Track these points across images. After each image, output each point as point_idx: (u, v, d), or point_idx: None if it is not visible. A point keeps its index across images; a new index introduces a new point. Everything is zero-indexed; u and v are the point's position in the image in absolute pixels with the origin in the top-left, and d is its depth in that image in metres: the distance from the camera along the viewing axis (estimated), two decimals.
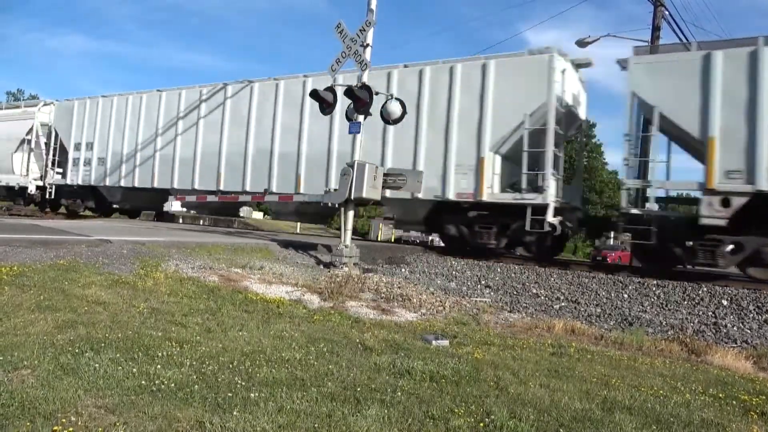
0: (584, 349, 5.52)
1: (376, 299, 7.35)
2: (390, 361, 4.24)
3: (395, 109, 9.98)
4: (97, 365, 3.40)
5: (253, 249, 9.87)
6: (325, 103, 10.02)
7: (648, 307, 8.45)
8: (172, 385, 3.23)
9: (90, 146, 19.15)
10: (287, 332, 4.87)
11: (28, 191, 20.60)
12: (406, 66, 13.06)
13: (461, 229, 12.44)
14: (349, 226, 9.83)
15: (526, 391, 3.86)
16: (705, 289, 8.82)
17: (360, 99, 9.45)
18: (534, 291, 9.46)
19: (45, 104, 21.10)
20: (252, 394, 3.22)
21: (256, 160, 15.12)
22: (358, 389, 3.52)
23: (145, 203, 20.03)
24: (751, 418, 3.72)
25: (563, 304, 8.74)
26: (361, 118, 9.74)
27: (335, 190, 10.02)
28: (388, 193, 12.15)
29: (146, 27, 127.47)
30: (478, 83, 11.89)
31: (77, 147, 19.56)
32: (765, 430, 3.57)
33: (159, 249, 8.33)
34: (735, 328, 7.45)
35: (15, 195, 21.71)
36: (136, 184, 17.76)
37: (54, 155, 20.17)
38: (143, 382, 3.23)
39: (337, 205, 10.04)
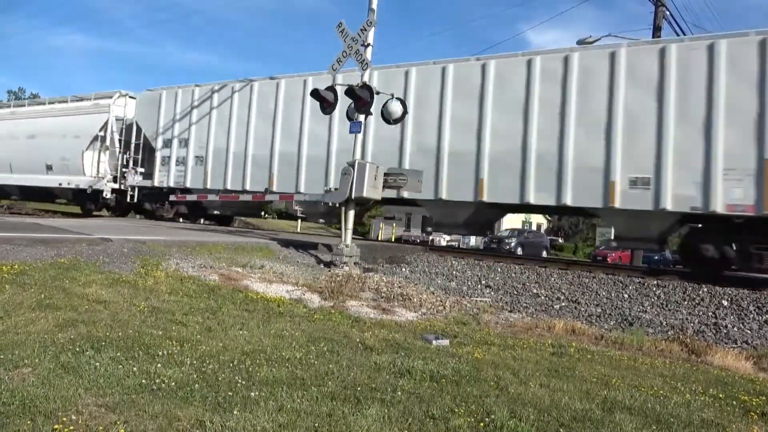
0: (584, 349, 5.52)
1: (376, 299, 7.36)
2: (390, 361, 4.24)
3: (396, 108, 9.98)
4: (97, 364, 3.41)
5: (253, 248, 9.87)
6: (326, 102, 10.02)
7: (648, 308, 8.45)
8: (173, 383, 3.24)
9: (184, 143, 16.56)
10: (288, 331, 4.87)
11: (103, 194, 17.99)
12: (631, 44, 10.78)
13: (725, 251, 9.98)
14: (350, 225, 9.84)
15: (527, 390, 3.86)
16: (705, 289, 8.83)
17: (361, 98, 9.45)
18: (534, 291, 9.46)
19: (120, 95, 18.59)
20: (252, 393, 3.22)
21: (415, 159, 12.45)
22: (359, 388, 3.52)
23: (244, 209, 17.61)
24: (751, 419, 3.72)
25: (563, 304, 8.74)
26: (362, 117, 9.75)
27: (335, 189, 10.02)
28: (618, 202, 10.24)
29: (147, 26, 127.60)
30: (755, 66, 9.36)
31: (166, 144, 16.99)
32: (765, 431, 3.58)
33: (159, 248, 8.34)
34: (735, 329, 7.45)
35: (85, 198, 19.20)
36: (248, 187, 15.16)
37: (137, 153, 17.69)
38: (144, 380, 3.23)
39: (338, 205, 10.05)
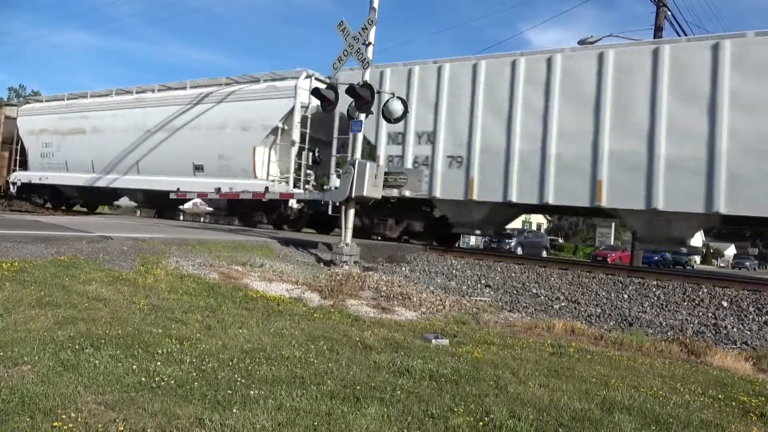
0: (584, 349, 5.53)
1: (376, 298, 7.36)
2: (389, 360, 4.24)
3: (396, 107, 9.98)
4: (97, 361, 3.41)
5: (253, 246, 9.87)
6: (326, 101, 10.03)
7: (648, 308, 8.44)
8: (172, 382, 3.24)
9: (427, 138, 12.75)
10: (287, 330, 4.88)
11: (289, 204, 14.48)
12: None
13: None
14: (350, 224, 9.84)
15: (526, 390, 3.86)
16: (705, 290, 8.82)
17: (362, 97, 9.44)
18: (534, 291, 9.46)
19: (307, 76, 14.51)
20: (252, 392, 3.22)
21: (734, 159, 9.82)
22: (358, 387, 3.52)
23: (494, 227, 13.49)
24: (750, 420, 3.72)
25: (563, 304, 8.74)
26: (362, 116, 9.75)
27: (336, 188, 10.02)
28: None
29: (149, 24, 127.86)
30: None
31: (394, 139, 13.26)
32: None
33: (159, 246, 8.34)
34: (735, 330, 7.45)
35: (255, 207, 15.22)
36: (550, 201, 11.41)
37: (339, 151, 13.65)
38: (143, 378, 3.23)
39: (338, 204, 10.05)
